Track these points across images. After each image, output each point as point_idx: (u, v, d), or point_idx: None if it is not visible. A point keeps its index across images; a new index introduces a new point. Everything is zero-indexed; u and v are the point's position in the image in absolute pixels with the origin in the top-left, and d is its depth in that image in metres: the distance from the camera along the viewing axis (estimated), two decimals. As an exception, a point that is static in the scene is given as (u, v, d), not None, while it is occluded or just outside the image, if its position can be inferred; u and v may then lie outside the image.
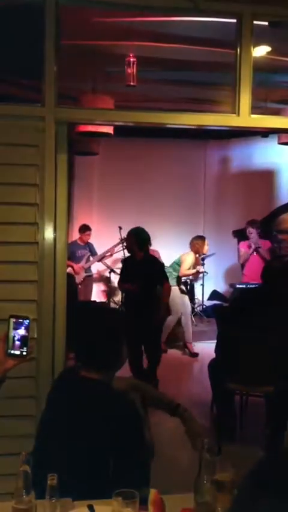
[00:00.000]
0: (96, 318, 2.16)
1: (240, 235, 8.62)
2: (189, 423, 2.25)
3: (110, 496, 1.63)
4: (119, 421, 1.89)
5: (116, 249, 8.49)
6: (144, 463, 2.00)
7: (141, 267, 5.79)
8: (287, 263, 7.41)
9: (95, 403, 1.94)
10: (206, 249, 7.67)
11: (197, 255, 7.62)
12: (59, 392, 2.10)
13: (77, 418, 1.91)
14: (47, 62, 3.03)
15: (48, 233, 3.07)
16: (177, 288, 7.38)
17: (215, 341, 4.70)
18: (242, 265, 7.85)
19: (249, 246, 7.63)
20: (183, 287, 7.61)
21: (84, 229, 8.27)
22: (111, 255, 8.56)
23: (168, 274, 6.54)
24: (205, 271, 8.52)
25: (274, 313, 4.09)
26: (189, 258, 7.49)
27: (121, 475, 1.79)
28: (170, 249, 8.95)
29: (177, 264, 7.50)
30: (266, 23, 3.39)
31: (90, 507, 1.72)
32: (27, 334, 1.89)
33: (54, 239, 3.08)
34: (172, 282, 7.05)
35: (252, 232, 7.73)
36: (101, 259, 8.46)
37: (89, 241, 8.39)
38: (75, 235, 8.43)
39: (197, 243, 7.52)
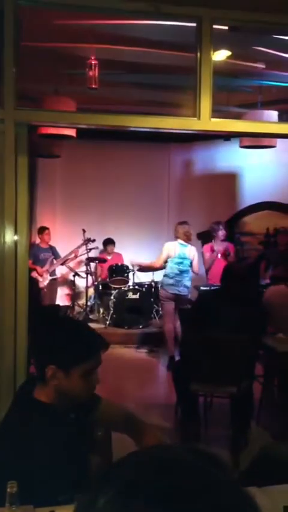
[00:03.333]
0: (53, 325, 2.03)
1: (205, 237, 8.69)
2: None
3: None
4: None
5: (80, 250, 8.46)
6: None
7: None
8: (247, 265, 7.52)
9: (44, 427, 1.85)
10: None
11: None
12: (12, 411, 2.00)
13: (27, 437, 1.83)
14: (5, 63, 3.00)
15: (9, 236, 3.03)
16: None
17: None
18: (207, 269, 7.89)
19: (213, 250, 7.54)
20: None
21: (43, 229, 8.23)
22: (75, 256, 8.50)
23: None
24: None
25: (233, 313, 4.13)
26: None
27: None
28: (133, 252, 8.96)
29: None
30: (226, 27, 3.44)
31: (52, 513, 1.69)
32: None
33: (15, 242, 3.04)
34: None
35: (221, 230, 7.59)
36: (64, 262, 8.40)
37: (52, 244, 8.32)
38: (38, 239, 8.36)
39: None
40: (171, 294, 6.60)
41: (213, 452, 0.63)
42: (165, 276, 6.70)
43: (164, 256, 6.68)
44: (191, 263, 6.65)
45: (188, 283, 6.69)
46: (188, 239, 6.68)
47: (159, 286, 7.04)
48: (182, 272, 6.60)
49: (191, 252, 6.68)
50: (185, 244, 6.66)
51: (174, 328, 6.65)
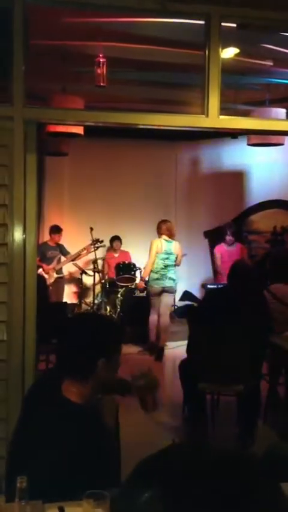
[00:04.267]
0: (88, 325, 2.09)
1: (212, 236, 8.69)
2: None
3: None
4: (92, 446, 1.88)
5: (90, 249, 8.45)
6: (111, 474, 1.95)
7: None
8: (254, 264, 7.52)
9: (72, 427, 1.88)
10: None
11: None
12: (38, 406, 2.01)
13: (54, 435, 1.87)
14: (15, 61, 3.01)
15: (18, 234, 3.04)
16: None
17: (187, 341, 4.72)
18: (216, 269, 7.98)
19: (224, 253, 7.72)
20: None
21: (56, 230, 8.20)
22: (87, 252, 8.48)
23: None
24: None
25: (240, 312, 4.13)
26: None
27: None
28: (140, 250, 8.97)
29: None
30: (235, 25, 3.43)
31: (61, 509, 1.70)
32: None
33: (24, 240, 3.05)
34: None
35: (228, 235, 7.84)
36: (75, 258, 8.38)
37: (60, 242, 8.32)
38: (46, 237, 8.36)
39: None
40: (157, 288, 6.98)
41: (244, 453, 0.65)
42: (150, 272, 7.02)
43: (154, 251, 6.99)
44: (176, 258, 7.01)
45: (173, 276, 7.03)
46: (170, 234, 7.04)
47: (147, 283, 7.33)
48: (166, 266, 6.96)
49: (176, 247, 7.04)
50: (170, 241, 7.02)
51: (159, 318, 7.14)
